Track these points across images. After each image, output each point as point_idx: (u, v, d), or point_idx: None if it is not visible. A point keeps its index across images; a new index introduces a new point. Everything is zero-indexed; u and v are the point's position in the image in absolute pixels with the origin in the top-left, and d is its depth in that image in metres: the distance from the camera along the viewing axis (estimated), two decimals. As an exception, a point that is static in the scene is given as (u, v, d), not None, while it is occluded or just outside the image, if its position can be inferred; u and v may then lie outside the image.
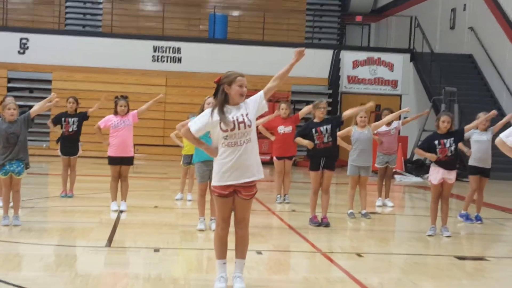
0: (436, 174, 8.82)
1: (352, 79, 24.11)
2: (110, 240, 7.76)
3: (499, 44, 21.85)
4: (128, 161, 10.00)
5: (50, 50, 22.33)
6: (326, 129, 9.17)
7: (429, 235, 8.87)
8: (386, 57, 24.24)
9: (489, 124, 10.16)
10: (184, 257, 7.24)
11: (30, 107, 22.29)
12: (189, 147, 10.51)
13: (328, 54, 23.88)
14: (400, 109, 23.66)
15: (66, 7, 26.68)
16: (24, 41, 22.50)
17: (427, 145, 8.90)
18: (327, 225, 9.29)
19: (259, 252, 7.39)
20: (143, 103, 10.65)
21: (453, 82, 21.45)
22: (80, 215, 9.69)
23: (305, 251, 7.81)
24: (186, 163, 11.18)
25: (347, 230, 9.51)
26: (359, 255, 7.62)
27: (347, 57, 24.13)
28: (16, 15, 25.84)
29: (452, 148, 8.72)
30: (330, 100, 23.31)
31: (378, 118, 18.07)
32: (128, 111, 10.05)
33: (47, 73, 22.21)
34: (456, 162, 8.98)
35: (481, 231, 9.82)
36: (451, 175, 8.81)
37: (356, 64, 24.10)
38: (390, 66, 24.04)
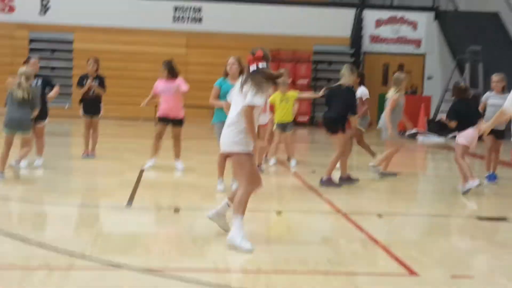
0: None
1: (374, 39, 23.79)
2: (131, 199, 7.80)
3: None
4: (175, 122, 10.22)
5: (71, 10, 22.25)
6: None
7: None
8: (409, 15, 23.85)
9: (504, 85, 10.03)
10: (203, 217, 7.26)
11: (53, 68, 22.40)
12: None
13: (350, 13, 23.54)
14: (423, 69, 23.44)
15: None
16: (45, 1, 22.43)
17: None
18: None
19: (279, 212, 7.41)
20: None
21: (479, 41, 21.07)
22: (102, 176, 9.77)
23: (325, 212, 7.80)
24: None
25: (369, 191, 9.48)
26: (379, 215, 7.60)
27: (370, 16, 23.77)
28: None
29: None
30: (353, 60, 23.07)
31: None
32: (171, 76, 10.23)
33: (69, 33, 22.18)
34: None
35: (502, 191, 9.73)
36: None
37: (378, 23, 23.76)
38: (414, 25, 23.66)
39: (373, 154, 11.21)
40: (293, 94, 11.27)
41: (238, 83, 5.97)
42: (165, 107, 10.22)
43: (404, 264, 5.47)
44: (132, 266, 5.01)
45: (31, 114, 8.96)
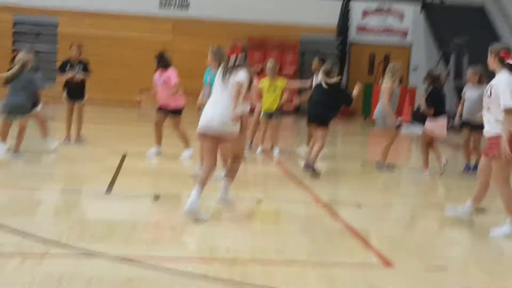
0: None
1: (361, 29, 23.78)
2: (111, 186, 7.76)
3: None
4: (172, 112, 10.16)
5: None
6: None
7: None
8: (396, 6, 23.85)
9: (480, 75, 10.13)
10: (182, 204, 7.25)
11: (37, 52, 22.08)
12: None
13: (337, 3, 23.51)
14: (409, 60, 23.48)
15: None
16: (30, -16, 22.21)
17: None
18: None
19: (259, 201, 7.42)
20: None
21: (464, 34, 21.10)
22: (82, 162, 9.69)
23: (305, 201, 7.81)
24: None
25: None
26: (358, 206, 7.63)
27: (357, 7, 23.75)
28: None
29: None
30: (339, 49, 23.07)
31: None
32: (161, 67, 10.26)
33: (54, 17, 21.97)
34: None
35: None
36: None
37: (365, 13, 23.74)
38: (400, 16, 23.67)
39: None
40: (282, 82, 11.27)
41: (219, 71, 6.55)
42: (159, 98, 10.22)
43: (381, 255, 5.49)
44: (108, 254, 5.00)
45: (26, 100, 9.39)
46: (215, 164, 6.47)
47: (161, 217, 6.54)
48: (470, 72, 10.36)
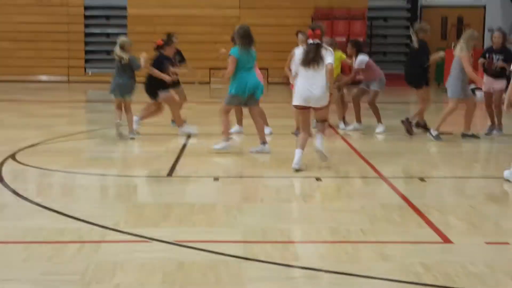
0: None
1: (432, -9, 23.08)
2: (172, 169, 7.85)
3: None
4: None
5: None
6: None
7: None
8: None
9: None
10: (242, 185, 7.28)
11: (107, 34, 22.60)
12: None
13: (406, -35, 22.89)
14: (484, 22, 22.61)
15: None
16: (99, -32, 22.59)
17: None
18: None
19: (318, 179, 7.35)
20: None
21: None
22: (147, 144, 9.82)
23: (368, 176, 7.69)
24: None
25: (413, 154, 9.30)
26: (421, 179, 7.45)
27: (427, -32, 23.05)
28: None
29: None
30: (409, 15, 22.50)
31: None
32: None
33: (122, -1, 22.32)
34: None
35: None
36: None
37: (436, -26, 23.00)
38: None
39: (379, 119, 11.06)
40: (340, 54, 11.10)
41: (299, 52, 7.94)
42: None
43: (439, 231, 5.35)
44: (162, 239, 5.06)
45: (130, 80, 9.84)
46: (310, 131, 8.13)
47: (220, 199, 6.57)
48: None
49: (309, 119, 8.05)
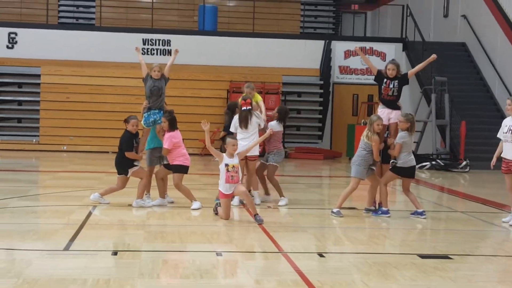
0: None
1: (343, 70, 23.97)
2: (70, 243, 7.67)
3: (491, 32, 21.68)
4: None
5: (38, 45, 22.27)
6: None
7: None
8: (378, 46, 24.08)
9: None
10: (140, 260, 7.16)
11: (19, 102, 22.30)
12: None
13: (319, 44, 23.74)
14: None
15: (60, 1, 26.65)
16: (12, 35, 22.39)
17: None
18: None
19: (218, 254, 7.33)
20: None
21: (445, 70, 21.28)
22: (48, 216, 9.59)
23: (267, 251, 7.72)
24: None
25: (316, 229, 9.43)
26: (320, 255, 7.54)
27: (339, 47, 23.98)
28: (3, 9, 25.78)
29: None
30: (322, 91, 23.22)
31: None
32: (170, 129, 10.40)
33: (36, 67, 22.09)
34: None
35: (448, 227, 9.72)
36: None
37: (347, 54, 23.94)
38: (382, 56, 23.85)
39: (280, 193, 11.13)
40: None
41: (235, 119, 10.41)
42: None
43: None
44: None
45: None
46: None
47: (115, 274, 6.44)
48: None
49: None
